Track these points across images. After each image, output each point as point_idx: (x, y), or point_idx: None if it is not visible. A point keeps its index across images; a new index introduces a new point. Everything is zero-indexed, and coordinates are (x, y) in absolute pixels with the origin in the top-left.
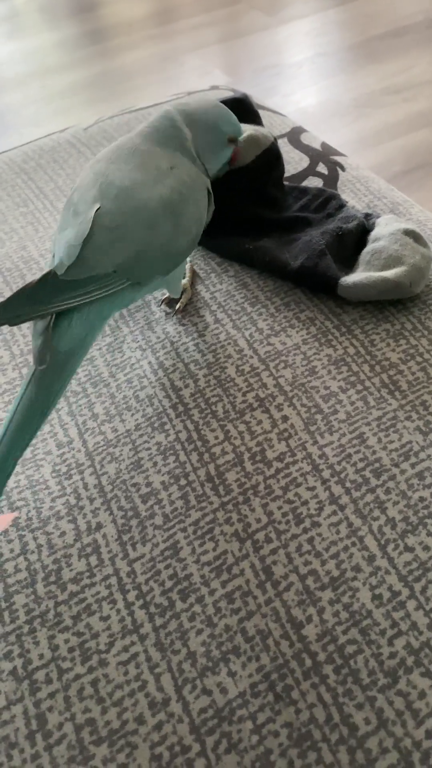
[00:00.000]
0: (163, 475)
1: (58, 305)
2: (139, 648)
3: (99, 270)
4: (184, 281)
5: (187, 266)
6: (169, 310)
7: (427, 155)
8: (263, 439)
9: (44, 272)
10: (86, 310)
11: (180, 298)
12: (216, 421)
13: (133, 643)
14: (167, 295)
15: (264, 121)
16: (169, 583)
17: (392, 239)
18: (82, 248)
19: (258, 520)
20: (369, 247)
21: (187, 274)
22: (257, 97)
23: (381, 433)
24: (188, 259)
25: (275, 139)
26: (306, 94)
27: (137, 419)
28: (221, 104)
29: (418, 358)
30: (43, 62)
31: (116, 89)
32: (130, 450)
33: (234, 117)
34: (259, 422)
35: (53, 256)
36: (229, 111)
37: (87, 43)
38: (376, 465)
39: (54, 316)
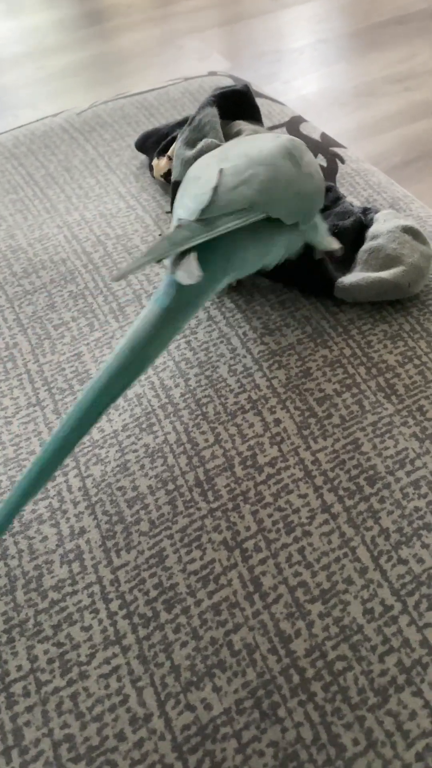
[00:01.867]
0: (150, 478)
1: (196, 239)
2: (121, 660)
3: (232, 207)
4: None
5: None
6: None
7: (428, 146)
8: (255, 443)
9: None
10: (220, 251)
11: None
12: (206, 423)
13: (115, 655)
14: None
15: (263, 109)
16: (153, 593)
17: (390, 237)
18: (212, 193)
19: (247, 528)
20: (366, 245)
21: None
22: (256, 83)
23: (376, 439)
24: None
25: None
26: (306, 81)
27: (125, 419)
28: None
29: (416, 361)
30: (40, 42)
31: (114, 72)
32: (116, 452)
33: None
34: (251, 425)
35: (177, 222)
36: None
37: (85, 24)
38: (371, 472)
39: (195, 250)
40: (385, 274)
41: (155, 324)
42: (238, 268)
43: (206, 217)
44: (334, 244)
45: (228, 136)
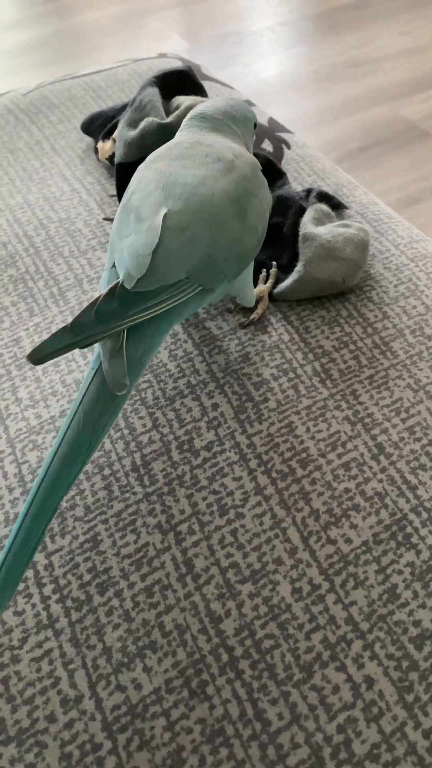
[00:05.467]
0: (86, 464)
1: (130, 320)
2: (53, 644)
3: (171, 278)
4: (261, 288)
5: (272, 271)
6: (243, 320)
7: (386, 131)
8: (192, 428)
9: (110, 285)
10: (155, 321)
11: (255, 307)
12: (145, 408)
13: (47, 639)
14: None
15: (211, 93)
16: (87, 577)
17: (324, 230)
18: (152, 257)
19: (182, 512)
20: (303, 245)
21: (270, 280)
22: (215, 65)
23: (310, 423)
24: (273, 264)
25: None
26: (266, 64)
27: (62, 405)
28: (234, 97)
29: (351, 346)
30: None
31: (71, 51)
32: (53, 438)
33: (246, 104)
34: (189, 410)
35: (112, 265)
36: (241, 100)
37: (41, 0)
38: (303, 455)
39: (125, 333)
40: (318, 274)
41: (102, 394)
42: (175, 322)
43: (142, 290)
44: (257, 307)
45: (168, 112)
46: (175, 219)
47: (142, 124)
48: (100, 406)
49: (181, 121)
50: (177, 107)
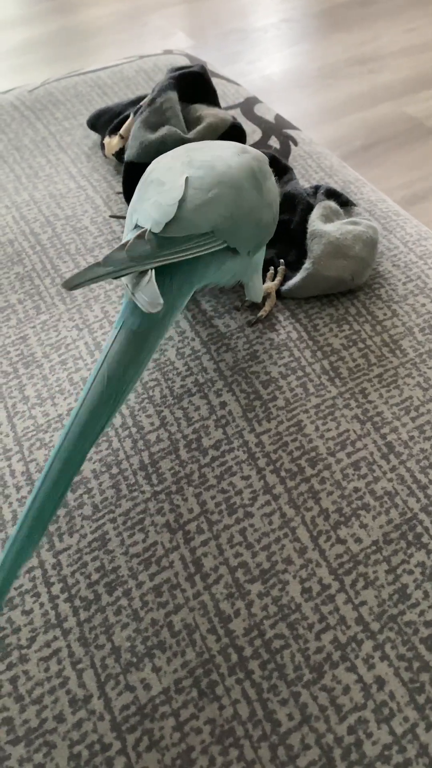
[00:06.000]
0: (94, 463)
1: (160, 260)
2: (61, 643)
3: (196, 229)
4: (268, 284)
5: (280, 269)
6: (251, 318)
7: (390, 129)
8: (200, 426)
9: (138, 233)
10: (177, 281)
11: (262, 305)
12: (152, 407)
13: (55, 638)
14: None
15: (218, 90)
16: (95, 576)
17: (333, 226)
18: (178, 208)
19: (190, 511)
20: (312, 242)
21: (277, 278)
22: (221, 62)
23: (319, 421)
24: (280, 262)
25: (234, 119)
26: (270, 61)
27: (70, 403)
28: None
29: (360, 344)
30: None
31: (74, 48)
32: None
33: None
34: (197, 408)
35: (134, 226)
36: None
37: None
38: (312, 454)
39: (153, 272)
40: (327, 271)
41: (128, 349)
42: (197, 284)
43: (170, 235)
44: (264, 305)
45: (187, 120)
46: (197, 182)
47: (164, 132)
48: (127, 357)
49: (202, 138)
50: (198, 119)
